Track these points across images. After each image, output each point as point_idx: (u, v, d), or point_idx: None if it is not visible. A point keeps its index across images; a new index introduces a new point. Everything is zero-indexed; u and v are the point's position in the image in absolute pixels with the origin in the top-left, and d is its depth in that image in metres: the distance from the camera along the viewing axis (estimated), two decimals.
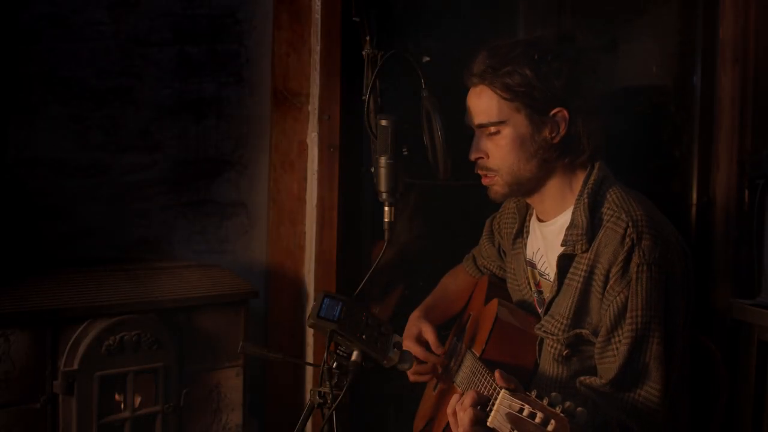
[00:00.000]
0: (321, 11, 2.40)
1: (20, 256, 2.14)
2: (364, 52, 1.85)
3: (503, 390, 1.38)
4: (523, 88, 1.67)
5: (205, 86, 2.39)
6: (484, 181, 1.79)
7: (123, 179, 2.30)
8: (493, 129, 1.72)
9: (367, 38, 1.83)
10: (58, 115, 2.20)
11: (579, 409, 1.32)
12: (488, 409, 1.41)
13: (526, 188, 1.78)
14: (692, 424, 1.73)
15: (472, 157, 1.77)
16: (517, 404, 1.34)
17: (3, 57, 2.11)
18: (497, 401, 1.38)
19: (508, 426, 1.33)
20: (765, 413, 2.40)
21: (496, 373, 1.45)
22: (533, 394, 1.34)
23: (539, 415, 1.30)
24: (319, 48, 2.41)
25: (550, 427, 1.28)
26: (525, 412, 1.32)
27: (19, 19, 2.14)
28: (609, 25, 2.68)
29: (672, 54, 2.71)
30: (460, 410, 1.45)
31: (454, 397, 1.50)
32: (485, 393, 1.47)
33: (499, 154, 1.73)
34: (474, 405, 1.43)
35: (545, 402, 1.32)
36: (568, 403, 1.31)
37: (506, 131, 1.71)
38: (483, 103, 1.72)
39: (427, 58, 2.57)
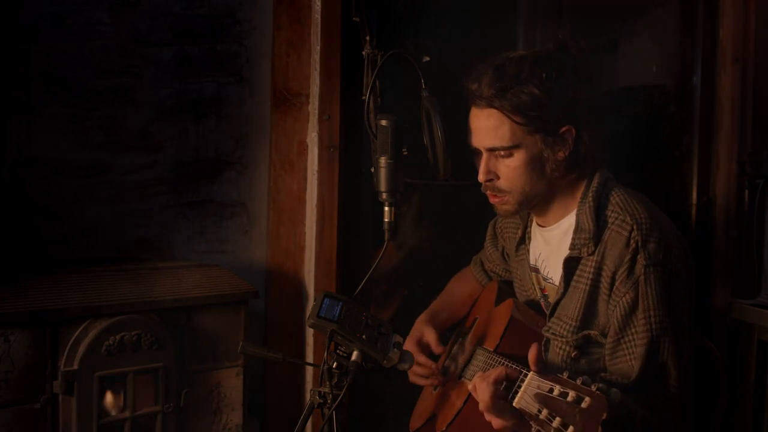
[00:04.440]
0: (321, 11, 2.40)
1: (20, 255, 2.14)
2: (364, 52, 1.85)
3: (531, 372, 1.37)
4: (535, 111, 1.66)
5: (205, 86, 2.39)
6: (493, 200, 1.78)
7: (123, 179, 2.30)
8: (504, 152, 1.71)
9: (367, 38, 1.84)
10: (58, 115, 2.20)
11: (613, 389, 1.30)
12: (514, 390, 1.40)
13: (533, 203, 1.79)
14: (693, 423, 1.73)
15: (482, 179, 1.75)
16: (546, 384, 1.32)
17: (3, 57, 2.11)
18: (524, 383, 1.36)
19: (536, 406, 1.31)
20: (765, 413, 2.40)
21: (530, 354, 1.41)
22: (565, 375, 1.32)
23: (572, 394, 1.27)
24: (319, 48, 2.41)
25: (584, 404, 1.26)
26: (555, 392, 1.30)
27: (19, 19, 2.14)
28: (609, 25, 2.68)
29: (672, 54, 2.70)
30: (481, 383, 1.43)
31: (478, 374, 1.47)
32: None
33: (511, 176, 1.72)
34: (497, 382, 1.41)
35: (579, 381, 1.29)
36: (601, 384, 1.29)
37: (519, 154, 1.70)
38: (493, 127, 1.70)
39: (427, 58, 2.57)
